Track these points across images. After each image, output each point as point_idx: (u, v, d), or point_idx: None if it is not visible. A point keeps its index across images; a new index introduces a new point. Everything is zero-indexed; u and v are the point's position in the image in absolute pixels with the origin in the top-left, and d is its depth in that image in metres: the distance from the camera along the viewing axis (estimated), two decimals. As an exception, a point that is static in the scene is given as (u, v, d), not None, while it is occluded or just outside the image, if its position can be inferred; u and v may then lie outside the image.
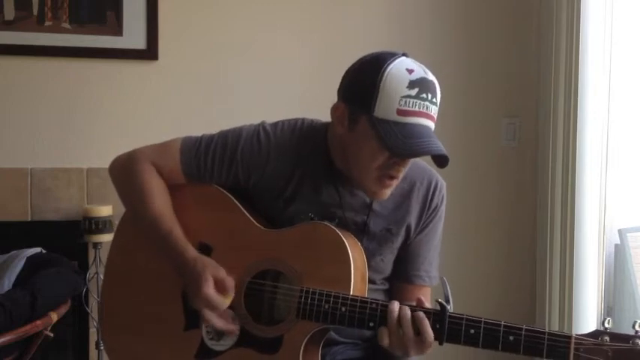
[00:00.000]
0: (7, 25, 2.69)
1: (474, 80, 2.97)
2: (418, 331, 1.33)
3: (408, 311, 1.34)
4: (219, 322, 1.45)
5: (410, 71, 1.37)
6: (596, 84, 2.50)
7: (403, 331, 1.33)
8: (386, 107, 1.36)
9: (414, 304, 1.38)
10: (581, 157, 2.52)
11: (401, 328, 1.34)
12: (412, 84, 1.36)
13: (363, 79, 1.39)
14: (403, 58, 1.41)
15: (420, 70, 1.39)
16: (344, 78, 1.47)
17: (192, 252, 1.49)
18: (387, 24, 2.93)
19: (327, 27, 2.91)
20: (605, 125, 2.52)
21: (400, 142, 1.35)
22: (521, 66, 2.99)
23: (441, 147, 1.38)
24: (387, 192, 1.47)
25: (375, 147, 1.39)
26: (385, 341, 1.36)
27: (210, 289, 1.43)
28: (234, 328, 1.46)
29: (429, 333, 1.33)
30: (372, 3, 2.94)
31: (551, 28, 2.66)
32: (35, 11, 2.71)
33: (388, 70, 1.37)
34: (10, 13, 2.69)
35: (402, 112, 1.36)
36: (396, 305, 1.36)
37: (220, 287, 1.45)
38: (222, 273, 1.46)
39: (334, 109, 1.46)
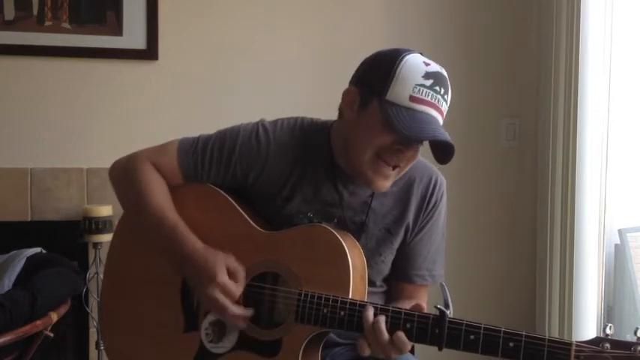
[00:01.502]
0: (7, 25, 2.69)
1: (473, 80, 2.97)
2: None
3: (381, 322, 1.34)
4: (236, 309, 1.43)
5: (427, 64, 1.40)
6: (596, 84, 2.50)
7: (378, 339, 1.34)
8: (399, 92, 1.37)
9: (409, 307, 1.38)
10: (581, 157, 2.52)
11: (375, 334, 1.34)
12: (428, 75, 1.38)
13: (380, 65, 1.41)
14: (420, 54, 1.44)
15: (436, 66, 1.42)
16: (360, 66, 1.48)
17: (200, 245, 1.49)
18: (387, 24, 2.93)
19: (327, 27, 2.91)
20: (605, 125, 2.52)
21: (407, 125, 1.36)
22: (521, 66, 2.99)
23: (447, 136, 1.38)
24: (386, 183, 1.46)
25: (380, 129, 1.39)
26: (366, 352, 1.36)
27: (225, 277, 1.43)
28: (249, 314, 1.45)
29: (405, 343, 1.33)
30: (372, 3, 2.94)
31: (551, 28, 2.65)
32: (35, 11, 2.70)
33: (406, 58, 1.39)
34: (10, 13, 2.69)
35: (414, 99, 1.37)
36: (370, 312, 1.36)
37: (232, 276, 1.45)
38: (233, 261, 1.46)
39: (346, 93, 1.47)
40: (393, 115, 1.37)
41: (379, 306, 1.38)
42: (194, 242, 1.49)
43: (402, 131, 1.36)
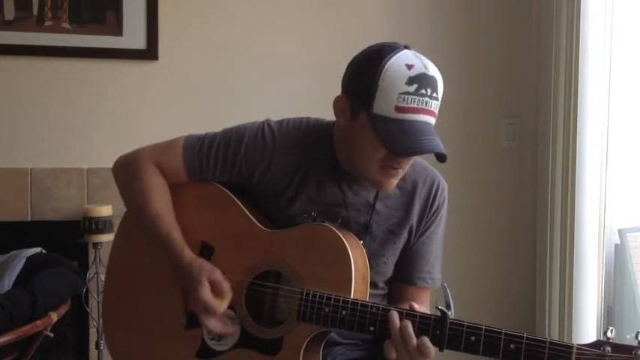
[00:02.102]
0: (7, 25, 2.69)
1: (474, 80, 2.97)
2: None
3: (408, 323, 1.34)
4: (216, 326, 1.45)
5: (409, 67, 1.36)
6: (596, 84, 2.50)
7: (406, 343, 1.33)
8: (384, 104, 1.35)
9: (407, 308, 1.38)
10: (581, 157, 2.52)
11: (403, 339, 1.34)
12: (411, 80, 1.35)
13: (363, 74, 1.39)
14: (405, 51, 1.39)
15: (421, 65, 1.37)
16: (347, 69, 1.46)
17: (188, 254, 1.49)
18: (387, 24, 2.93)
19: (327, 27, 2.91)
20: (605, 125, 2.52)
21: (398, 140, 1.35)
22: (521, 66, 2.99)
23: (439, 145, 1.37)
24: (393, 182, 1.46)
25: (374, 141, 1.38)
26: (393, 355, 1.36)
27: (206, 294, 1.43)
28: (231, 331, 1.46)
29: (430, 347, 1.33)
30: (372, 3, 2.94)
31: (551, 28, 2.65)
32: (35, 11, 2.70)
33: (387, 65, 1.35)
34: (10, 13, 2.69)
35: (400, 109, 1.35)
36: (396, 317, 1.35)
37: (217, 290, 1.45)
38: (218, 275, 1.46)
39: (336, 102, 1.46)
40: (382, 131, 1.36)
41: (382, 306, 1.38)
42: (182, 254, 1.49)
43: (393, 148, 1.36)
